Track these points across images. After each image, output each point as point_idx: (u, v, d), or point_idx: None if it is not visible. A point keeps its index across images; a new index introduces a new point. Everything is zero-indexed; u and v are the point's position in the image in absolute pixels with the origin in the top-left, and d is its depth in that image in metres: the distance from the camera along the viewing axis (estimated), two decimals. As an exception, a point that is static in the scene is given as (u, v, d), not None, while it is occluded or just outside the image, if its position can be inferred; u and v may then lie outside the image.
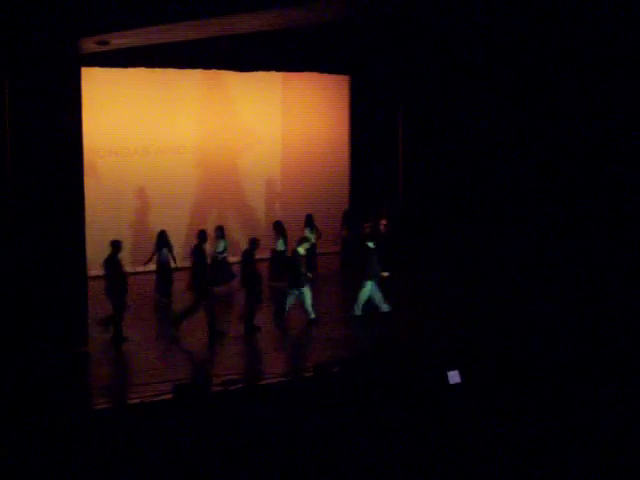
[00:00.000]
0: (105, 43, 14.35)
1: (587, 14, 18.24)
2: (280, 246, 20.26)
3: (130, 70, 20.98)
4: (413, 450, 10.69)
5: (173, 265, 19.35)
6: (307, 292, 16.49)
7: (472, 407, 11.94)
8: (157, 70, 21.45)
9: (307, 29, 19.18)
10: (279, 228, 20.44)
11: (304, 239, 17.44)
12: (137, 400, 12.42)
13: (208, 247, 18.21)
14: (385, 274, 17.06)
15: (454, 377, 12.45)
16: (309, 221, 21.19)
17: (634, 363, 13.42)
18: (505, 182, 22.29)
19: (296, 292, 16.56)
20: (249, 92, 23.23)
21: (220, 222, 22.46)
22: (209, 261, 17.88)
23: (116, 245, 15.71)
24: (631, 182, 19.68)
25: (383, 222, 19.66)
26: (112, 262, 15.59)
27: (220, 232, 19.99)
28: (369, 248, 16.78)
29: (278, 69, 23.10)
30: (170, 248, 19.26)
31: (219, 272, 19.28)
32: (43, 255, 14.45)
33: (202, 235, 16.81)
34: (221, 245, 19.89)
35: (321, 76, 24.05)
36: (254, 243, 16.51)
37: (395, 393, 12.29)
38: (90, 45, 14.52)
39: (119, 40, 14.36)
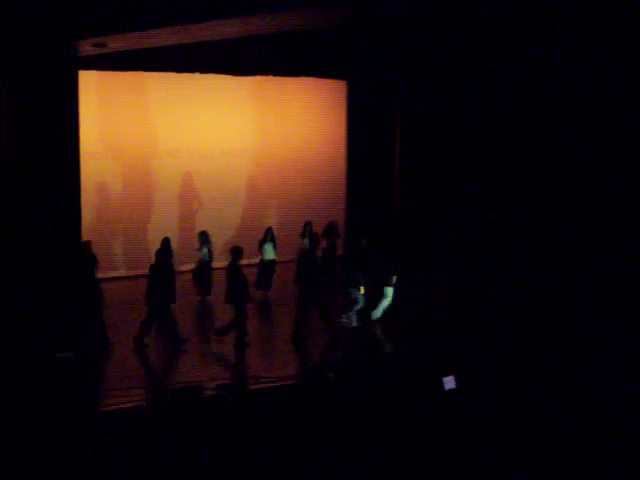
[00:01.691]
0: (102, 46, 14.32)
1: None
2: (205, 256, 19.28)
3: (127, 74, 20.96)
4: (408, 456, 10.66)
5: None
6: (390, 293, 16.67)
7: (467, 413, 11.92)
8: (154, 74, 21.42)
9: (304, 33, 19.18)
10: (205, 237, 19.46)
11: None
12: (131, 404, 12.38)
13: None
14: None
15: (449, 383, 12.43)
16: (271, 235, 20.09)
17: (633, 368, 13.40)
18: (503, 186, 22.28)
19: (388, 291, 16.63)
20: (245, 96, 23.22)
21: (214, 228, 22.53)
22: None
23: (237, 252, 15.64)
24: (631, 177, 19.68)
25: (363, 240, 19.21)
26: (234, 268, 15.55)
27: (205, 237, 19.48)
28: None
29: (275, 73, 23.08)
30: (274, 244, 19.56)
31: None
32: (34, 257, 14.41)
33: (315, 238, 16.98)
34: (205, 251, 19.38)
35: (318, 81, 24.04)
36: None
37: (390, 398, 12.27)
38: (87, 48, 14.49)
39: (116, 43, 14.33)
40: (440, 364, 13.50)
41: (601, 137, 20.14)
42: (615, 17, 18.32)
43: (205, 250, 19.18)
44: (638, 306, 16.92)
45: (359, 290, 16.60)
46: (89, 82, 19.37)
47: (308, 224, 20.66)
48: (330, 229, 21.03)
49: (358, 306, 16.70)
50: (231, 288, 15.40)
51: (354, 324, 16.62)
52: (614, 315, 16.56)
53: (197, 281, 19.26)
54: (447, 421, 11.62)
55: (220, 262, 22.10)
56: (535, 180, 21.70)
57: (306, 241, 20.36)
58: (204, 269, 19.16)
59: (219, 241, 21.40)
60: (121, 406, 12.29)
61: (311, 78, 23.77)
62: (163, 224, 21.49)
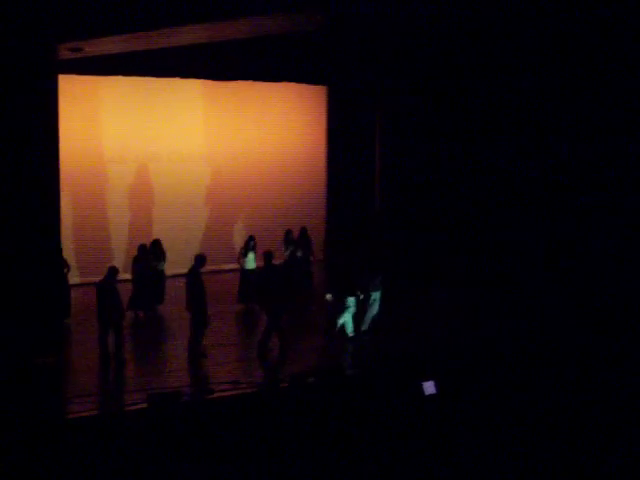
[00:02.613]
0: (78, 50, 14.25)
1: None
2: (161, 265, 18.69)
3: (108, 78, 20.89)
4: (388, 461, 10.66)
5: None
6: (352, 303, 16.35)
7: (448, 418, 11.93)
8: (134, 79, 21.35)
9: (285, 39, 19.19)
10: (160, 247, 18.81)
11: None
12: (112, 409, 12.33)
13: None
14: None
15: (429, 388, 12.42)
16: (253, 244, 19.33)
17: (614, 378, 13.44)
18: (486, 190, 22.33)
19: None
20: (226, 102, 23.20)
21: (195, 233, 22.45)
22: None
23: (269, 256, 15.56)
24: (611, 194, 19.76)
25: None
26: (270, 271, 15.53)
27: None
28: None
29: (256, 79, 23.07)
30: (255, 253, 19.01)
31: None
32: (16, 263, 14.31)
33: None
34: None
35: (298, 86, 24.05)
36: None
37: (370, 404, 12.27)
38: (64, 52, 14.41)
39: (92, 47, 14.26)
40: (420, 369, 13.51)
41: (590, 141, 20.24)
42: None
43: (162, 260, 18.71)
44: (626, 313, 16.99)
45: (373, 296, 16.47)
46: (69, 86, 19.28)
47: (289, 232, 20.55)
48: (303, 236, 20.90)
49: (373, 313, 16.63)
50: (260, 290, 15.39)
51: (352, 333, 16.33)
52: (601, 318, 16.67)
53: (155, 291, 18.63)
54: (427, 427, 11.62)
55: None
56: (518, 182, 21.76)
57: (295, 250, 20.28)
58: (161, 278, 18.68)
59: (198, 248, 21.37)
60: (99, 412, 12.25)
61: (291, 83, 23.78)
62: (144, 229, 21.45)
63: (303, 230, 20.90)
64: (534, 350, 14.93)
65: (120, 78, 21.10)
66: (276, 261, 20.12)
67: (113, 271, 14.70)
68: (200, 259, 15.13)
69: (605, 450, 10.86)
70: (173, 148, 22.48)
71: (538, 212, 21.04)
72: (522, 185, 21.47)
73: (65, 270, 17.03)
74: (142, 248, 18.29)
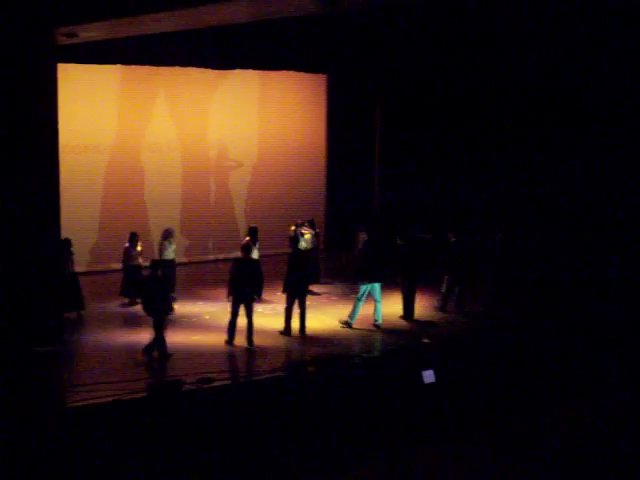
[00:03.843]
0: (73, 35, 14.14)
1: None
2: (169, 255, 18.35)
3: (107, 67, 20.81)
4: (387, 449, 10.68)
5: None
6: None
7: (447, 407, 11.94)
8: (134, 67, 21.31)
9: (285, 27, 19.14)
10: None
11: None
12: (111, 398, 12.30)
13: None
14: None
15: (429, 377, 12.41)
16: (254, 234, 18.61)
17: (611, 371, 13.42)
18: (483, 177, 22.30)
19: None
20: (226, 90, 23.16)
21: (191, 223, 22.39)
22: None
23: (296, 239, 16.68)
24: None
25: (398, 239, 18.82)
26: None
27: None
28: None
29: (255, 67, 23.03)
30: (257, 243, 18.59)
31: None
32: (12, 251, 14.29)
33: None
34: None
35: (298, 75, 24.00)
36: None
37: (369, 393, 12.27)
38: (59, 38, 14.31)
39: (87, 33, 14.16)
40: (420, 358, 13.51)
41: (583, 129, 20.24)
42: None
43: (171, 248, 18.46)
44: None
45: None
46: (69, 75, 19.23)
47: (299, 226, 20.43)
48: (311, 226, 20.84)
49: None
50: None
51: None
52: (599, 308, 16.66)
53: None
54: (426, 415, 11.63)
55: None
56: (513, 171, 21.75)
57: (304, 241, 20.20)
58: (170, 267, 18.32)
59: (202, 237, 21.39)
60: (99, 400, 12.22)
61: (291, 72, 23.73)
62: (139, 220, 21.41)
63: (310, 222, 20.81)
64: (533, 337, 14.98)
65: (119, 67, 21.06)
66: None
67: (248, 248, 16.10)
68: (247, 249, 15.95)
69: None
70: (171, 138, 22.43)
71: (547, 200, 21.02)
72: (526, 177, 21.49)
73: (70, 262, 16.99)
74: (133, 237, 18.08)
